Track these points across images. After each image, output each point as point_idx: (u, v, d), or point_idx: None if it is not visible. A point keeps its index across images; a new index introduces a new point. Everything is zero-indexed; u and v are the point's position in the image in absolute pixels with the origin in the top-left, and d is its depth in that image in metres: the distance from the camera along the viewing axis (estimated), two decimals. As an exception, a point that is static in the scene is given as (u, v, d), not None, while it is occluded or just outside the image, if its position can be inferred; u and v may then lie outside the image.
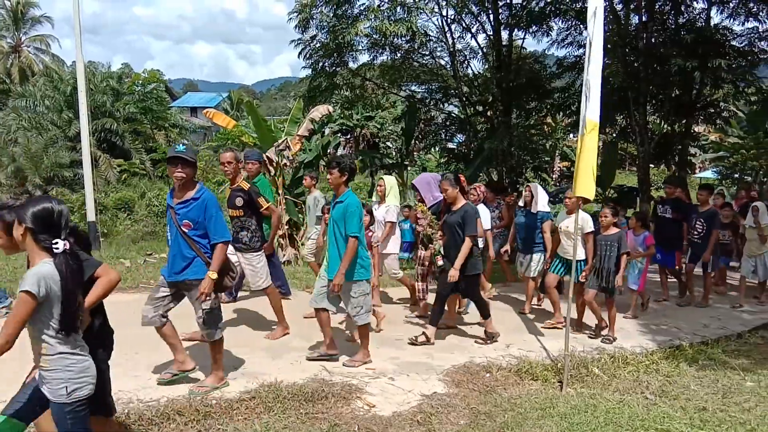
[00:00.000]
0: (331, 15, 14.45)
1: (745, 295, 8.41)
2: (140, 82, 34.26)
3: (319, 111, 12.27)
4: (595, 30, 5.07)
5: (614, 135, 17.20)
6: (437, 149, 22.89)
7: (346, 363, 5.42)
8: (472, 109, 16.83)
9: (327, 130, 26.10)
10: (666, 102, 14.81)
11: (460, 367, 5.54)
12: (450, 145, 20.31)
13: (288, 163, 12.04)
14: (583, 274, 6.58)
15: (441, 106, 17.97)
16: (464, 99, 16.45)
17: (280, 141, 11.65)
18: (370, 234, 6.66)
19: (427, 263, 6.95)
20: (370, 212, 6.90)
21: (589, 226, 6.65)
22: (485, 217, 7.28)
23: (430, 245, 6.73)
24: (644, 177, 15.20)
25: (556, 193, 21.76)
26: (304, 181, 8.94)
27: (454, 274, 5.86)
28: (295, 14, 14.69)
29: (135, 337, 5.71)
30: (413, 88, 18.30)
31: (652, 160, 16.52)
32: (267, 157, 11.39)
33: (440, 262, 6.33)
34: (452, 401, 4.81)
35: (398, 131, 26.79)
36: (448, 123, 18.18)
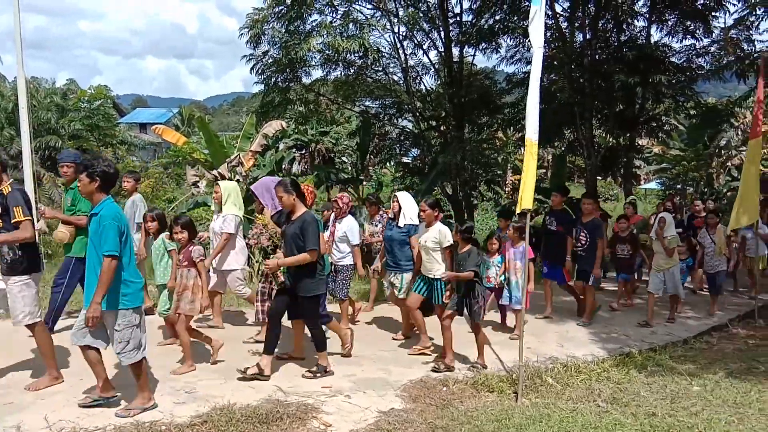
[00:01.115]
0: (283, 31, 14.44)
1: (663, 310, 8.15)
2: (86, 98, 33.25)
3: (272, 126, 12.20)
4: (536, 46, 5.28)
5: (563, 149, 17.70)
6: (392, 164, 23.06)
7: (118, 413, 4.53)
8: (425, 124, 17.05)
9: (281, 146, 25.90)
10: (611, 116, 15.35)
11: (417, 381, 5.52)
12: (405, 160, 20.50)
13: (241, 180, 11.88)
14: (447, 294, 5.97)
15: (395, 121, 18.15)
16: (418, 114, 16.66)
17: (232, 157, 11.52)
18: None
19: (269, 280, 6.20)
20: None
21: (448, 240, 6.08)
22: (353, 230, 6.89)
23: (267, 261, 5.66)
24: (592, 189, 15.65)
25: (509, 206, 22.15)
26: (124, 184, 7.95)
27: (272, 266, 5.34)
28: (247, 30, 14.63)
29: (80, 364, 5.50)
30: (367, 103, 18.45)
31: (599, 172, 17.06)
32: (219, 173, 11.23)
33: (281, 279, 5.52)
34: (409, 417, 4.77)
35: (353, 146, 26.89)
36: (402, 138, 18.38)
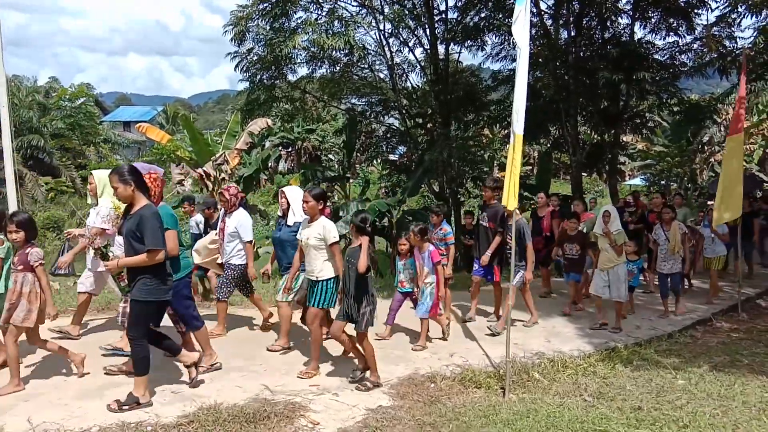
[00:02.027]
0: (268, 28, 14.36)
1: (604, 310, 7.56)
2: (68, 96, 32.89)
3: (258, 124, 12.15)
4: (521, 46, 5.29)
5: (548, 145, 17.80)
6: (379, 161, 23.05)
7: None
8: (411, 121, 17.05)
9: (267, 144, 25.79)
10: (595, 113, 15.46)
11: (405, 378, 5.52)
12: (392, 157, 20.51)
13: (227, 178, 11.82)
14: (339, 297, 5.36)
15: (381, 118, 18.14)
16: (404, 112, 16.66)
17: (217, 155, 11.44)
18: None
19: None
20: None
21: (333, 236, 5.39)
22: (244, 225, 6.37)
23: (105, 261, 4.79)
24: (577, 185, 15.77)
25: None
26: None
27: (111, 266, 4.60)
28: (231, 27, 14.52)
29: (62, 365, 5.44)
30: (353, 101, 18.41)
31: (584, 168, 17.20)
32: (204, 171, 11.16)
33: (124, 282, 4.71)
34: (397, 414, 4.77)
35: (340, 144, 26.82)
36: (388, 135, 18.37)
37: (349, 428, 4.53)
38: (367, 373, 5.37)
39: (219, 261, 6.73)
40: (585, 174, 22.32)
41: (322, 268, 5.42)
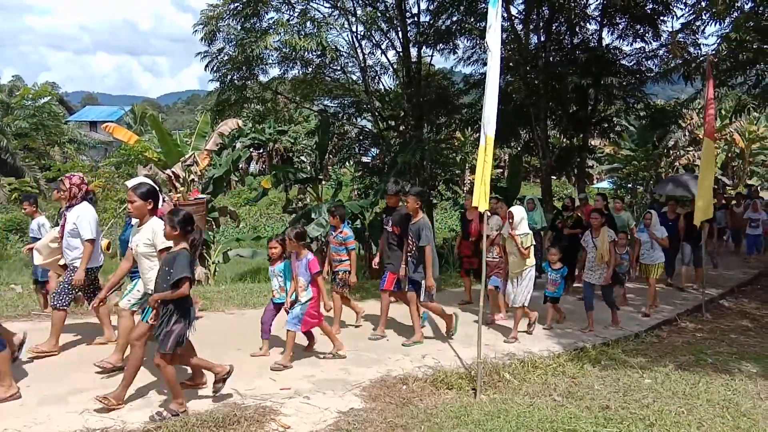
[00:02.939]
0: (239, 28, 14.21)
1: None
2: (30, 95, 32.05)
3: (228, 125, 12.01)
4: (492, 47, 5.33)
5: (518, 149, 18.01)
6: (351, 163, 23.01)
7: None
8: (384, 123, 17.07)
9: (238, 145, 25.53)
10: (564, 117, 15.72)
11: (377, 380, 5.51)
12: (364, 159, 20.48)
13: (196, 179, 11.65)
14: (151, 315, 4.57)
15: (354, 120, 18.11)
16: (377, 114, 16.66)
17: (187, 156, 11.26)
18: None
19: None
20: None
21: (161, 241, 4.67)
22: (85, 220, 5.74)
23: None
24: (547, 188, 15.98)
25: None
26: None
27: None
28: (201, 26, 14.33)
29: (25, 370, 5.29)
30: (326, 102, 18.35)
31: (553, 171, 17.45)
32: (173, 172, 10.98)
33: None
34: (369, 416, 4.76)
35: (312, 145, 26.69)
36: (361, 137, 18.35)
37: (320, 431, 4.49)
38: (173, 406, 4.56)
39: (61, 262, 6.01)
40: (554, 177, 22.65)
41: (152, 278, 4.70)
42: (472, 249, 8.36)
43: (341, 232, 6.85)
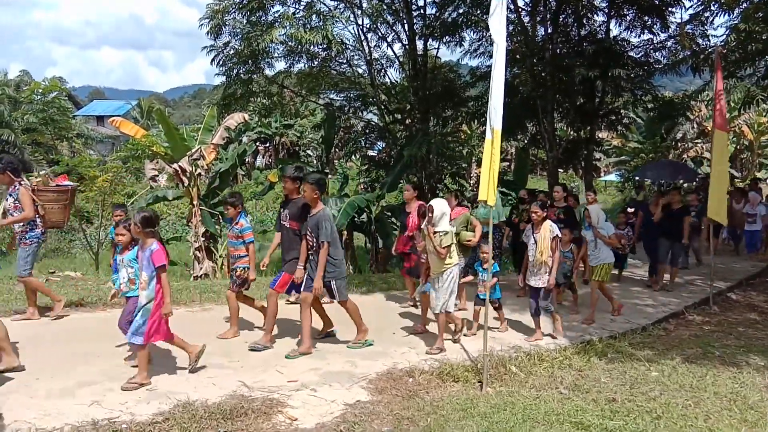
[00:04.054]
0: (245, 21, 14.21)
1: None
2: (39, 90, 32.18)
3: (234, 119, 12.01)
4: (498, 41, 5.29)
5: (525, 141, 17.94)
6: (358, 157, 22.99)
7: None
8: (390, 116, 17.04)
9: (244, 139, 25.58)
10: (571, 110, 15.63)
11: (383, 373, 5.52)
12: (370, 153, 20.46)
13: (203, 173, 11.68)
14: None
15: (360, 114, 18.09)
16: (382, 107, 16.63)
17: (193, 150, 11.28)
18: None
19: None
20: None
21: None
22: None
23: None
24: (554, 181, 15.92)
25: (473, 198, 22.40)
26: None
27: None
28: (207, 20, 14.35)
29: (33, 363, 5.33)
30: (332, 96, 18.32)
31: (560, 164, 17.37)
32: (180, 167, 11.01)
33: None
34: (376, 408, 4.77)
35: (318, 139, 26.69)
36: (367, 131, 18.33)
37: (327, 423, 4.51)
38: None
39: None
40: (561, 170, 22.55)
41: None
42: (411, 245, 7.46)
43: (237, 224, 6.33)
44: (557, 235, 6.52)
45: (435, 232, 5.93)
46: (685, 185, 22.54)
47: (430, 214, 5.95)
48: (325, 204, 8.50)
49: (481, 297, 6.53)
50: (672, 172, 17.13)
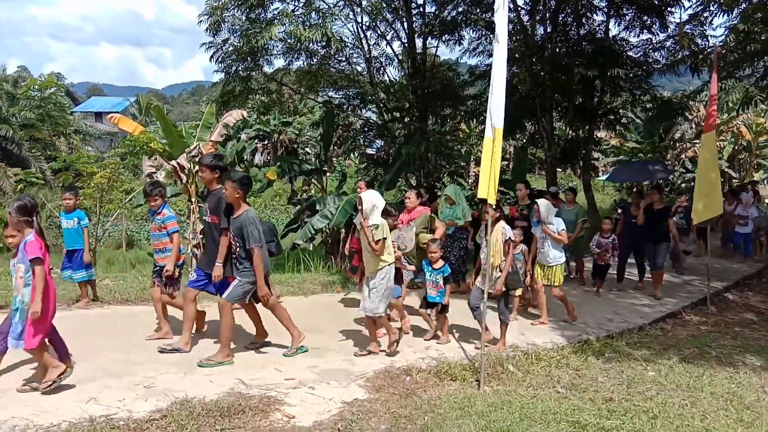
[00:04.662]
0: (244, 18, 14.17)
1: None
2: (37, 86, 32.11)
3: (233, 116, 11.96)
4: (501, 38, 5.27)
5: (524, 140, 17.94)
6: (356, 155, 22.99)
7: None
8: (389, 115, 17.01)
9: (243, 136, 25.56)
10: (570, 109, 15.62)
11: (381, 371, 5.53)
12: (369, 151, 20.46)
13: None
14: None
15: (359, 112, 18.06)
16: (381, 105, 16.60)
17: (191, 147, 11.24)
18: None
19: None
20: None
21: None
22: None
23: None
24: (552, 180, 15.93)
25: (471, 197, 22.41)
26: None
27: None
28: (206, 17, 14.30)
29: (29, 360, 5.32)
30: (331, 93, 18.29)
31: (558, 164, 17.38)
32: (178, 164, 10.99)
33: None
34: (373, 406, 4.78)
35: (317, 137, 26.68)
36: (366, 129, 18.32)
37: (324, 421, 4.52)
38: None
39: None
40: (560, 169, 22.57)
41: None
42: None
43: (159, 213, 5.98)
44: (509, 237, 6.16)
45: (368, 226, 5.55)
46: (682, 185, 22.59)
47: (360, 207, 5.62)
48: (325, 201, 8.06)
49: (430, 300, 6.27)
50: (644, 173, 16.50)
